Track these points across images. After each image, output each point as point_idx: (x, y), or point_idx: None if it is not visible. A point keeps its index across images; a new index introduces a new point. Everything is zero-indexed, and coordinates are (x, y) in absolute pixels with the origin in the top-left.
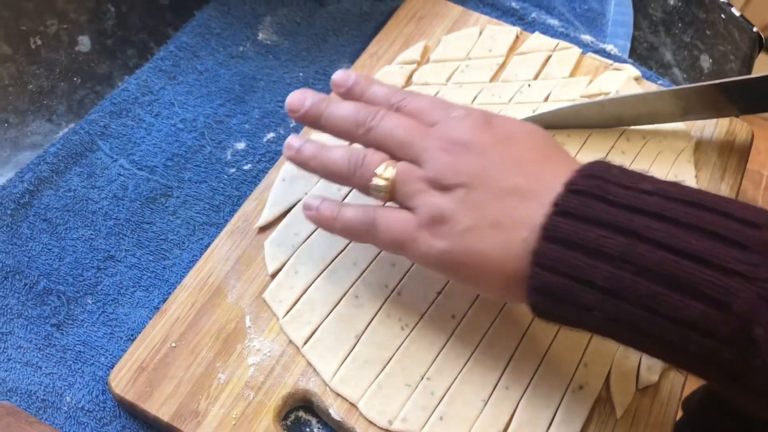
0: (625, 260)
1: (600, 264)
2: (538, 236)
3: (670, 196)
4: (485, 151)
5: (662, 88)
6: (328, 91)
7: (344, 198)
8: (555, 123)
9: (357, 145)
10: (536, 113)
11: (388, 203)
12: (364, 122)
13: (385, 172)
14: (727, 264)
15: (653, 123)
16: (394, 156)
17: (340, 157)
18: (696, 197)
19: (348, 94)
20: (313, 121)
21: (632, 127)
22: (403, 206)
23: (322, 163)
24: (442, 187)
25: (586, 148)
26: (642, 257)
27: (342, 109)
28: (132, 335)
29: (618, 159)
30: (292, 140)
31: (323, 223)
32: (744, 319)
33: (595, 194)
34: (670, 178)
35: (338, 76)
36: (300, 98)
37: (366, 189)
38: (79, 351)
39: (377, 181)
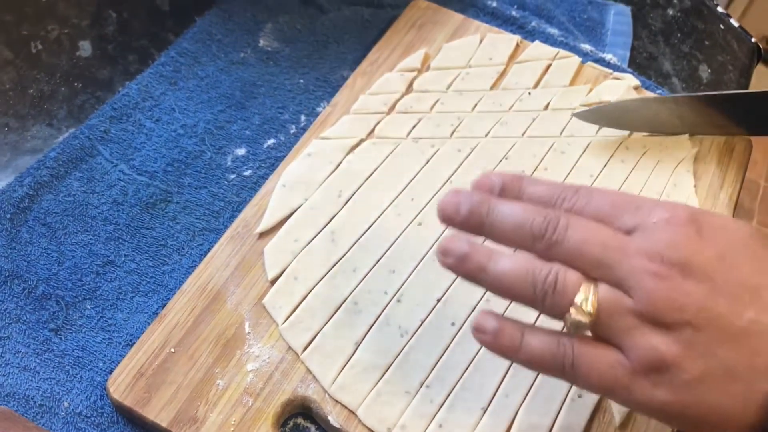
0: None
1: None
2: None
3: None
4: (707, 275)
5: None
6: (329, 96)
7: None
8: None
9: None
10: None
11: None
12: (542, 234)
13: (585, 303)
14: None
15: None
16: (587, 274)
17: (520, 274)
18: None
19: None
20: (475, 229)
21: (633, 136)
22: (607, 341)
23: (496, 280)
24: (660, 324)
25: (586, 156)
26: None
27: (510, 216)
28: (130, 341)
29: (618, 167)
30: (452, 244)
31: (501, 351)
32: None
33: None
34: (669, 187)
35: (481, 181)
36: (454, 203)
37: (559, 319)
38: (78, 356)
39: (577, 317)
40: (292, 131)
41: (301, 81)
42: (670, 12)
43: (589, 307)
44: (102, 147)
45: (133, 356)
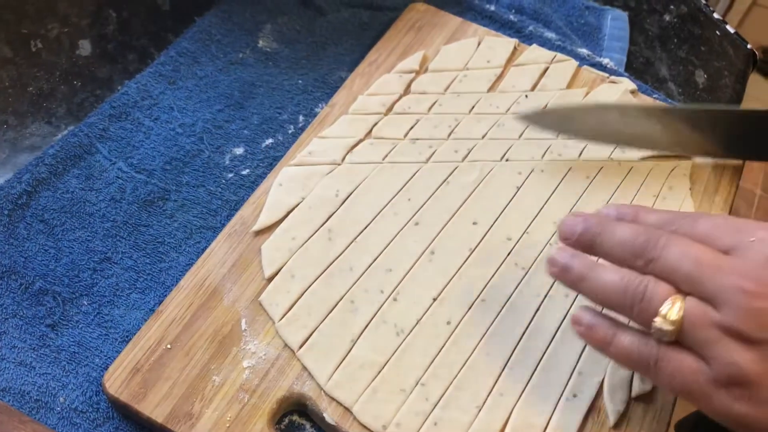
0: None
1: None
2: None
3: None
4: None
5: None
6: (327, 97)
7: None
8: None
9: None
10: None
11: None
12: (643, 252)
13: (670, 312)
14: None
15: (648, 148)
16: (680, 289)
17: (615, 284)
18: None
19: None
20: (587, 248)
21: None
22: (691, 350)
23: (594, 288)
24: (745, 340)
25: (583, 159)
26: None
27: (618, 234)
28: (127, 337)
29: (614, 170)
30: (558, 255)
31: (594, 343)
32: None
33: None
34: (665, 190)
35: (602, 210)
36: (572, 224)
37: (646, 327)
38: (74, 352)
39: (661, 324)
40: (290, 131)
41: (300, 81)
42: (667, 18)
43: (674, 317)
44: (101, 145)
45: (130, 352)
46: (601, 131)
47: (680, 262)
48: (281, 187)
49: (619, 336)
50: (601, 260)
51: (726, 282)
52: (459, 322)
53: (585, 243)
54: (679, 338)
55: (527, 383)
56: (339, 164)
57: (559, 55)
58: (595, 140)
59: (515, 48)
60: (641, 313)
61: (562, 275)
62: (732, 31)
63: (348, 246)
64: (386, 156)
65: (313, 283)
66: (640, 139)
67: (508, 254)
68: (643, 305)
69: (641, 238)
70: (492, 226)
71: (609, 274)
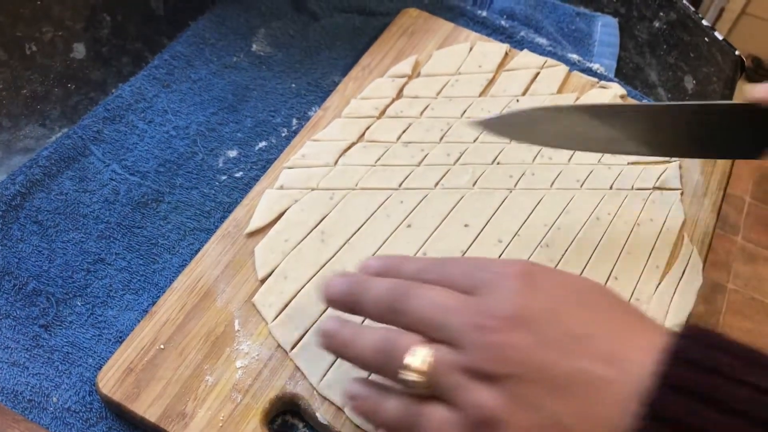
0: None
1: None
2: None
3: None
4: (536, 326)
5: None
6: (320, 101)
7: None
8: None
9: None
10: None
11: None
12: (393, 305)
13: (414, 361)
14: None
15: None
16: (433, 338)
17: (373, 344)
18: None
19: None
20: (350, 309)
21: None
22: (445, 402)
23: (355, 353)
24: (487, 377)
25: (573, 162)
26: None
27: (372, 292)
28: (120, 337)
29: (603, 174)
30: (326, 323)
31: (365, 416)
32: None
33: (700, 393)
34: (655, 194)
35: (363, 264)
36: (334, 286)
37: (395, 381)
38: (67, 352)
39: (406, 375)
40: (283, 134)
41: (293, 85)
42: (656, 24)
43: (417, 364)
44: (94, 147)
45: (123, 352)
46: (563, 136)
47: (425, 310)
48: (275, 189)
49: (383, 403)
50: (367, 321)
51: (464, 321)
52: None
53: (348, 304)
54: (432, 390)
55: None
56: (332, 167)
57: (550, 61)
58: (557, 147)
59: (507, 53)
60: (390, 369)
61: (327, 344)
62: (720, 37)
63: (341, 248)
64: (379, 159)
65: (306, 284)
66: (605, 143)
67: (500, 257)
68: (390, 360)
69: (392, 293)
70: (483, 228)
71: (368, 335)
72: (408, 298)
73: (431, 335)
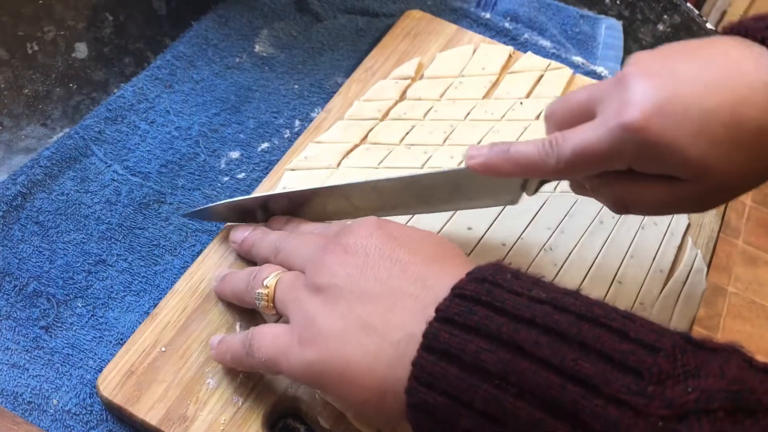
0: (506, 379)
1: (480, 383)
2: (416, 344)
3: (562, 306)
4: (367, 252)
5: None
6: (323, 102)
7: None
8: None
9: None
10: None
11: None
12: (276, 248)
13: (268, 280)
14: (618, 393)
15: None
16: (297, 269)
17: (242, 278)
18: (592, 311)
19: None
20: (247, 253)
21: None
22: (285, 319)
23: (224, 289)
24: (317, 288)
25: None
26: (524, 377)
27: (266, 240)
28: (121, 339)
29: None
30: (238, 232)
31: (217, 359)
32: None
33: (481, 300)
34: None
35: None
36: (239, 233)
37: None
38: (68, 354)
39: (258, 290)
40: (286, 136)
41: (296, 86)
42: (660, 27)
43: (270, 282)
44: (96, 147)
45: (124, 354)
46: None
47: (296, 248)
48: (278, 191)
49: (227, 339)
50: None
51: (315, 247)
52: None
53: (245, 249)
54: (278, 308)
55: None
56: (335, 169)
57: (554, 63)
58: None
59: (510, 55)
60: (251, 290)
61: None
62: None
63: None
64: (382, 161)
65: None
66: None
67: (503, 259)
68: (253, 283)
69: (279, 237)
70: (487, 231)
71: (239, 274)
72: (287, 239)
73: (294, 267)
